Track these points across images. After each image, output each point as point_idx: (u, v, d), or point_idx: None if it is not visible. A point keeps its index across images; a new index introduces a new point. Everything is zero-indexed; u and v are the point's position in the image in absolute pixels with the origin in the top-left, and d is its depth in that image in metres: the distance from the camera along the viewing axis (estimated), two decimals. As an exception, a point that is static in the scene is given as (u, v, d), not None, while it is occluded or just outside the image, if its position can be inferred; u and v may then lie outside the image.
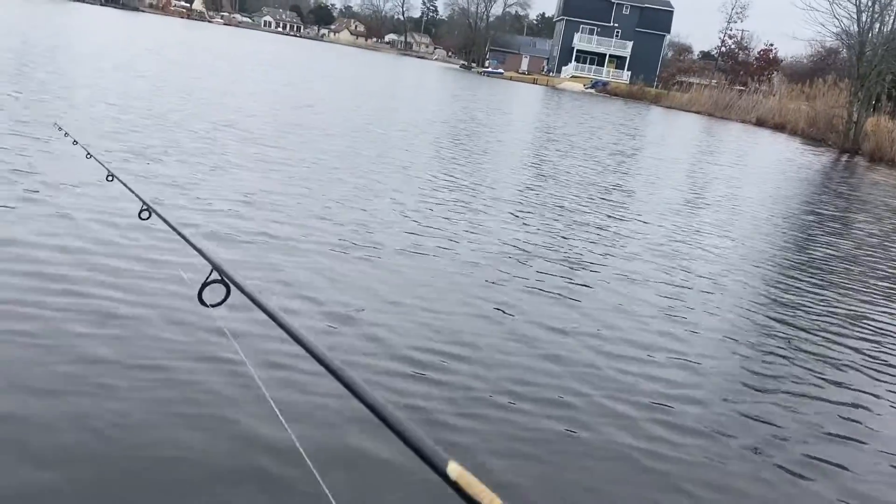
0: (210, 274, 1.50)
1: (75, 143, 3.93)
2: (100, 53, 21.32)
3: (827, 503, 3.43)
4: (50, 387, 3.25)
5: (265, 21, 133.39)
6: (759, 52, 78.56)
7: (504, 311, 5.18)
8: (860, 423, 4.31)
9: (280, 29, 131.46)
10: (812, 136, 35.40)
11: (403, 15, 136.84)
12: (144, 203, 2.17)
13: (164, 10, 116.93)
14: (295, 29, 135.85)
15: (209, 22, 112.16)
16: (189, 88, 15.63)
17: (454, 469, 0.83)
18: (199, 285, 1.51)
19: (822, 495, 3.48)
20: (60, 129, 4.72)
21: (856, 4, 32.98)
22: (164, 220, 1.97)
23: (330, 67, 39.62)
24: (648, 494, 3.24)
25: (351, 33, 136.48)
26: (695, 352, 5.00)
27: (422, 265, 5.94)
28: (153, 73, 17.53)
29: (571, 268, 6.59)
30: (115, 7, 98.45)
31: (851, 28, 33.63)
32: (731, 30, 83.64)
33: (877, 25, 32.85)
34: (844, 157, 28.39)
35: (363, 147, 11.96)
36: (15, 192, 5.34)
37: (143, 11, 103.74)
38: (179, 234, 1.84)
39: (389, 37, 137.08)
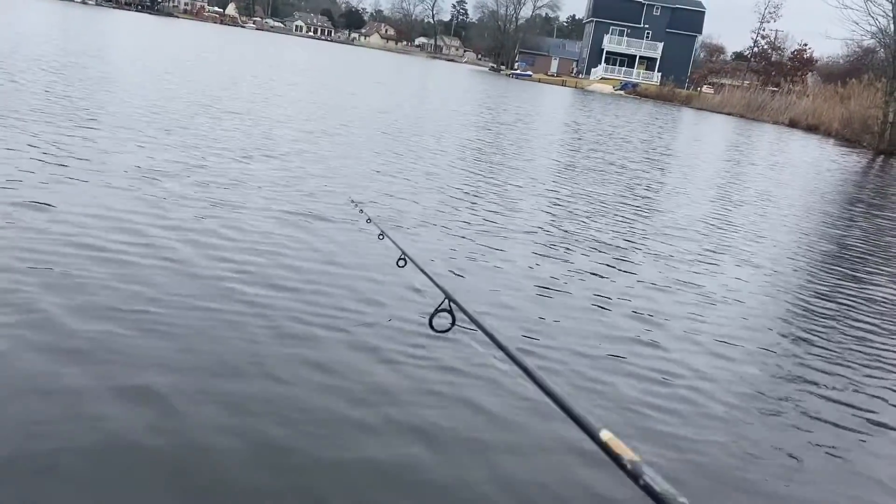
0: (441, 303, 1.79)
1: (366, 218, 4.26)
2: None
3: (890, 459, 3.80)
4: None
5: (296, 26, 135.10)
6: (792, 53, 77.74)
7: (567, 291, 5.61)
8: None
9: (311, 33, 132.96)
10: (846, 137, 35.06)
11: (433, 18, 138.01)
12: (403, 253, 2.61)
13: (197, 15, 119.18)
14: (326, 33, 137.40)
15: (242, 27, 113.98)
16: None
17: (606, 434, 1.02)
18: (432, 313, 1.81)
19: (882, 454, 3.84)
20: (355, 204, 5.41)
21: (892, 2, 32.64)
22: (416, 266, 2.40)
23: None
24: (709, 447, 3.59)
25: (381, 37, 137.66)
26: (735, 332, 5.35)
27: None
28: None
29: (618, 259, 6.98)
30: (151, 13, 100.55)
31: (888, 27, 33.28)
32: (764, 30, 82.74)
33: (913, 24, 32.49)
34: (880, 159, 28.15)
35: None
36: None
37: (177, 17, 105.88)
38: (424, 272, 2.25)
39: (419, 40, 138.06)
